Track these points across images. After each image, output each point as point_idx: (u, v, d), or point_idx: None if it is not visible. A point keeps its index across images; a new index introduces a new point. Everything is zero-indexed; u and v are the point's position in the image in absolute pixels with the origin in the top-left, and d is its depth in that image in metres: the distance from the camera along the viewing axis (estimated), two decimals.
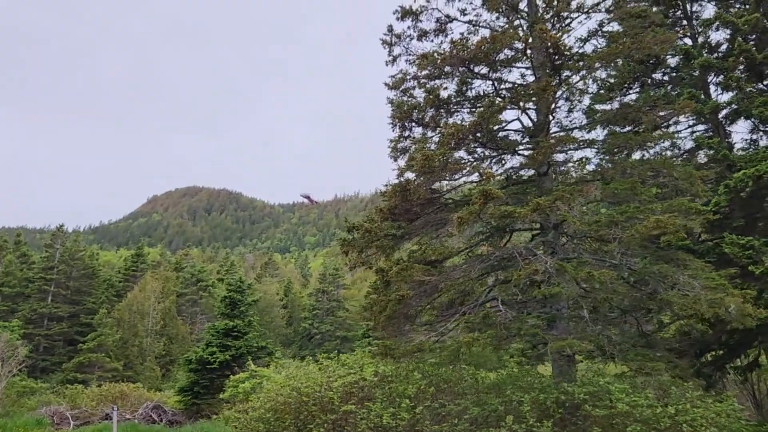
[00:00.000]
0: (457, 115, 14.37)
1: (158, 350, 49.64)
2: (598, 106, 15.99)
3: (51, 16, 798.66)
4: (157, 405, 26.28)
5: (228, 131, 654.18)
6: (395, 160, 14.29)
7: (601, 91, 16.73)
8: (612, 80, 17.45)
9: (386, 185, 12.54)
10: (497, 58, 12.73)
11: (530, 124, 13.59)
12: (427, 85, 14.01)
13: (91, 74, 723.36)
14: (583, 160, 12.63)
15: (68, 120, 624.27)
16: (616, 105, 15.84)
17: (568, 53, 11.93)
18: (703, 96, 15.87)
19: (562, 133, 13.74)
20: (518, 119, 13.68)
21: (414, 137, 14.04)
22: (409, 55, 14.72)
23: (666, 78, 18.35)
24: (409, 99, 14.11)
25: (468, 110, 14.29)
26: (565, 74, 12.73)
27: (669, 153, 16.73)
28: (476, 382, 10.65)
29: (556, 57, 11.85)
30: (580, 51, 13.51)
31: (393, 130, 13.92)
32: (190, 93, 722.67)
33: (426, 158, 10.94)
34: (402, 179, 12.05)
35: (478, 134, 12.10)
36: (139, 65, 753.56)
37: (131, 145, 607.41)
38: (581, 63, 12.09)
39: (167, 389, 38.43)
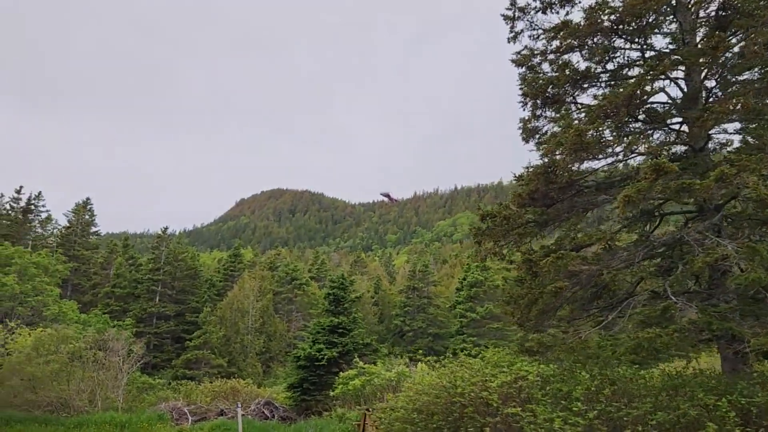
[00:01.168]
0: (591, 90, 13.21)
1: (258, 347, 50.93)
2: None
3: (134, 35, 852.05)
4: (268, 401, 26.54)
5: (305, 134, 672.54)
6: (526, 141, 13.33)
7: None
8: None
9: (527, 167, 11.55)
10: (646, 21, 11.40)
11: (679, 96, 12.16)
12: (559, 60, 12.91)
13: (172, 87, 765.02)
14: (756, 127, 11.01)
15: (155, 132, 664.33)
16: (756, 74, 14.07)
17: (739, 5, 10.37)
18: None
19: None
20: (663, 90, 12.29)
21: (547, 116, 13.00)
22: (533, 29, 13.66)
23: None
24: (539, 75, 13.07)
25: (605, 83, 13.04)
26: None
27: None
28: (646, 382, 9.46)
29: (723, 12, 10.37)
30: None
31: (524, 109, 12.95)
32: (263, 98, 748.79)
33: (578, 133, 9.86)
34: (545, 160, 11.01)
35: (630, 107, 10.83)
36: (214, 75, 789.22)
37: (217, 151, 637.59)
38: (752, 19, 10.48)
39: (269, 385, 39.19)
